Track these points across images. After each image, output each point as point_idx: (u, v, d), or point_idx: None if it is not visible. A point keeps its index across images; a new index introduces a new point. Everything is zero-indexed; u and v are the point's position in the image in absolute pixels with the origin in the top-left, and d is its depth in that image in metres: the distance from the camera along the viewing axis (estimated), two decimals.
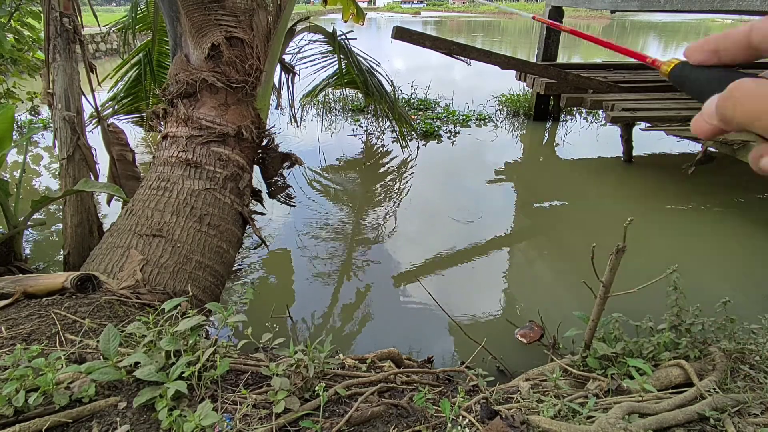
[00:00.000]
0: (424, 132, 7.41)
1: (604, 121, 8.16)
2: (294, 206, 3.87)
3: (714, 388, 1.64)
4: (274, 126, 7.17)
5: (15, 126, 3.11)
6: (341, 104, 8.84)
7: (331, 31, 5.75)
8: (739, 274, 3.71)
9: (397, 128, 6.66)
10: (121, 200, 2.96)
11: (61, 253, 3.22)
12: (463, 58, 5.86)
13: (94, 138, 3.41)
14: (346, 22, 5.82)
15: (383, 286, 3.57)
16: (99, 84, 3.52)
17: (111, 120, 4.34)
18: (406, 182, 5.63)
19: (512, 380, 1.99)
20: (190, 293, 2.24)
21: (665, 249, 4.06)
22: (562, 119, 8.30)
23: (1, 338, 1.66)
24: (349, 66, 6.01)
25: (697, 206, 4.88)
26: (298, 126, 7.65)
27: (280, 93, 5.99)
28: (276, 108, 8.09)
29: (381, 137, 7.33)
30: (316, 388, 1.43)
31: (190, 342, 1.52)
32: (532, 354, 2.75)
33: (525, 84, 7.38)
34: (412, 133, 7.31)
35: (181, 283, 2.31)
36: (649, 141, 6.89)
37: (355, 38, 6.08)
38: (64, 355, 1.52)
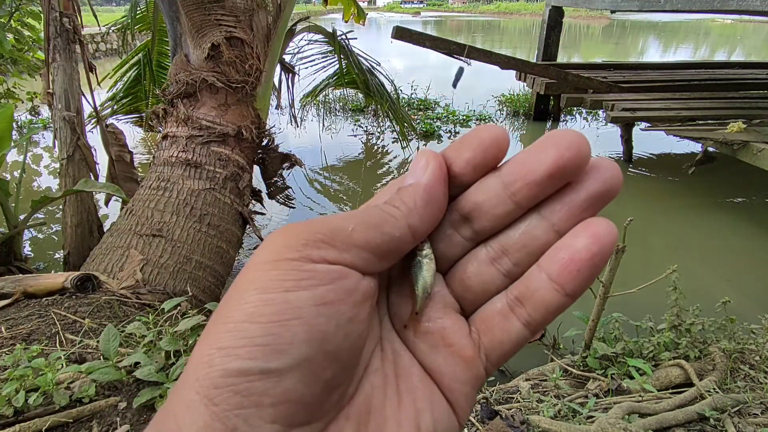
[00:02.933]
0: (425, 132, 7.40)
1: (604, 121, 8.17)
2: (293, 207, 3.87)
3: (714, 388, 1.64)
4: (274, 126, 7.17)
5: (15, 126, 3.11)
6: (341, 104, 8.83)
7: (331, 31, 5.75)
8: (739, 274, 3.71)
9: (397, 128, 6.66)
10: (121, 200, 2.96)
11: (61, 253, 3.22)
12: (463, 58, 5.87)
13: (94, 138, 3.40)
14: (347, 22, 5.82)
15: None
16: (99, 84, 3.52)
17: (110, 120, 4.34)
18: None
19: (512, 380, 1.99)
20: (190, 293, 2.24)
21: (665, 249, 4.06)
22: (562, 119, 8.30)
23: (1, 338, 1.66)
24: (350, 66, 6.01)
25: (698, 206, 4.88)
26: (298, 126, 7.65)
27: (280, 93, 5.99)
28: (276, 108, 8.08)
29: (381, 137, 7.33)
30: None
31: (190, 342, 1.52)
32: (532, 354, 2.75)
33: (525, 84, 7.38)
34: (412, 133, 7.30)
35: (181, 283, 2.31)
36: (649, 141, 6.89)
37: (356, 38, 6.07)
38: (64, 355, 1.52)
